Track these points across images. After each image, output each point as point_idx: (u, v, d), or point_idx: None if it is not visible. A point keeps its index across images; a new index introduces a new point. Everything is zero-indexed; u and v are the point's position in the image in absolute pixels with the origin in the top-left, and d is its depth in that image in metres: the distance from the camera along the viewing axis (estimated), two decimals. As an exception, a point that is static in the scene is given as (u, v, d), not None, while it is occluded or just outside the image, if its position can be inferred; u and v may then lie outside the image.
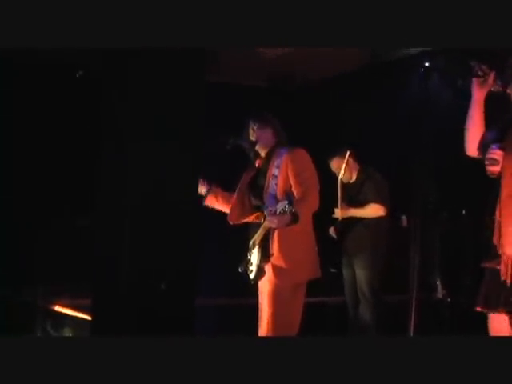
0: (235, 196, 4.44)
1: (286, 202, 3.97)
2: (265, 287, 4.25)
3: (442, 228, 6.73)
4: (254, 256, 4.26)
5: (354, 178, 5.73)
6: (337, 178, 5.65)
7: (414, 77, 6.67)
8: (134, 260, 3.21)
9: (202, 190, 4.44)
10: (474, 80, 3.36)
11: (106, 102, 3.52)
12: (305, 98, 7.71)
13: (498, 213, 3.23)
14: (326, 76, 7.45)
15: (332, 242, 5.77)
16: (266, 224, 4.14)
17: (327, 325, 6.18)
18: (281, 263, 4.15)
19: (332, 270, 6.68)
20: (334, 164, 5.71)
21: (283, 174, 4.19)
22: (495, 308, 3.25)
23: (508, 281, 3.17)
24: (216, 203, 4.52)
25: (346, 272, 5.75)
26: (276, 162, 4.24)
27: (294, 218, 4.03)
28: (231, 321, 6.06)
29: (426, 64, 6.68)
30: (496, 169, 3.23)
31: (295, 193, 4.15)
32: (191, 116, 3.40)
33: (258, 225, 4.25)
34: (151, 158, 3.25)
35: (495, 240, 3.24)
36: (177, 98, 3.38)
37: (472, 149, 3.45)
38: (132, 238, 3.19)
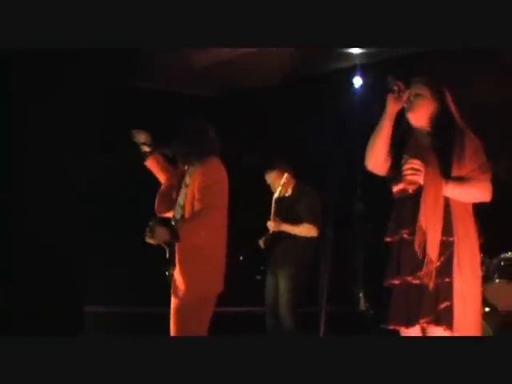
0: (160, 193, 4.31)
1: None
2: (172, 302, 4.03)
3: (366, 240, 6.81)
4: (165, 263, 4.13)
5: (290, 192, 5.75)
6: (269, 187, 5.68)
7: (343, 91, 6.78)
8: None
9: (146, 148, 4.24)
10: (390, 95, 3.38)
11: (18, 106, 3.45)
12: (233, 107, 7.72)
13: (421, 219, 3.23)
14: (257, 86, 7.48)
15: (259, 251, 5.77)
16: None
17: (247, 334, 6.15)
18: (179, 278, 3.93)
19: (257, 277, 6.69)
20: (269, 177, 5.74)
21: (193, 184, 4.00)
22: (406, 325, 3.27)
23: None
24: (156, 167, 4.29)
25: (269, 281, 5.75)
26: (190, 170, 4.08)
27: (174, 235, 3.84)
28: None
29: (355, 79, 6.81)
30: (417, 178, 3.23)
31: (195, 207, 3.95)
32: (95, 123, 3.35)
33: None
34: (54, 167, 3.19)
35: (417, 247, 3.22)
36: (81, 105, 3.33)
37: (375, 163, 3.44)
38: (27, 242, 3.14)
